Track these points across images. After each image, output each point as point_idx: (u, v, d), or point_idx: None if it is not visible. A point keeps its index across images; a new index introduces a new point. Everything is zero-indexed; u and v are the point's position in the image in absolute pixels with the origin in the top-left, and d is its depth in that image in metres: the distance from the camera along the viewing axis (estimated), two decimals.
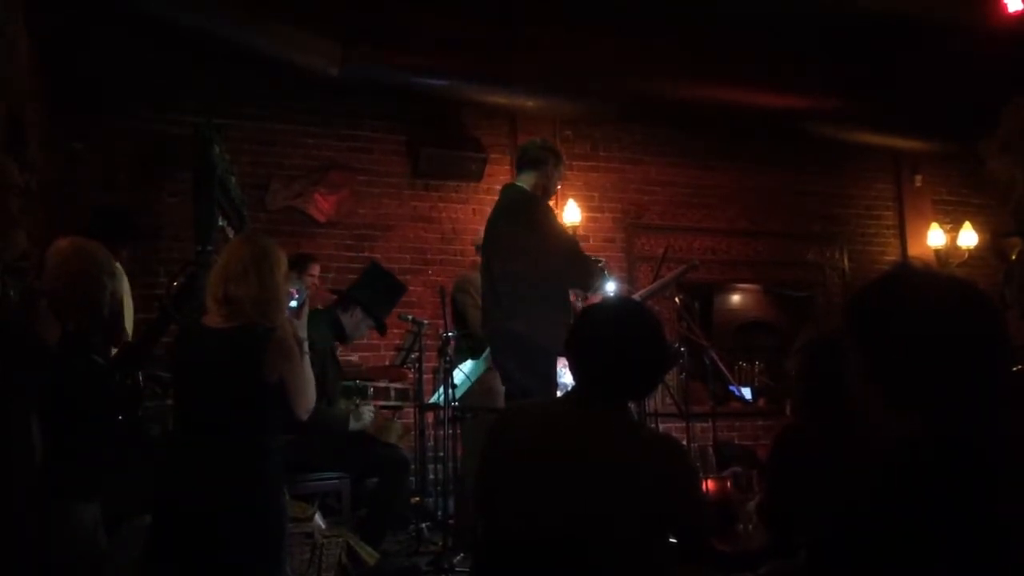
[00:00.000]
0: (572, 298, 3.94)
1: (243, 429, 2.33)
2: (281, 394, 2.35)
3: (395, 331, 5.74)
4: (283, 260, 2.49)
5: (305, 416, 2.46)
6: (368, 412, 4.05)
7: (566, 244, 3.78)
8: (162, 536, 2.29)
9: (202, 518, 2.23)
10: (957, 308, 1.23)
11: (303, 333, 2.51)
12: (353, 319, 4.15)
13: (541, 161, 3.81)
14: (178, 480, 2.32)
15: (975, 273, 7.51)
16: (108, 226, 3.96)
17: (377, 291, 4.23)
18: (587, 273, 3.78)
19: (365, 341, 5.85)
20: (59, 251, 2.64)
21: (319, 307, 4.57)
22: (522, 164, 3.87)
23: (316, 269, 5.12)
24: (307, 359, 2.47)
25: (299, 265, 5.05)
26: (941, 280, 1.28)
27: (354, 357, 5.75)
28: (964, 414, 1.19)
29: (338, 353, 4.45)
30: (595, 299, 3.83)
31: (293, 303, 2.52)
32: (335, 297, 4.44)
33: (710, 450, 5.59)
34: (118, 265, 3.97)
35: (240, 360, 2.32)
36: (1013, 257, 7.06)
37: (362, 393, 4.65)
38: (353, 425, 3.93)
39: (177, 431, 2.46)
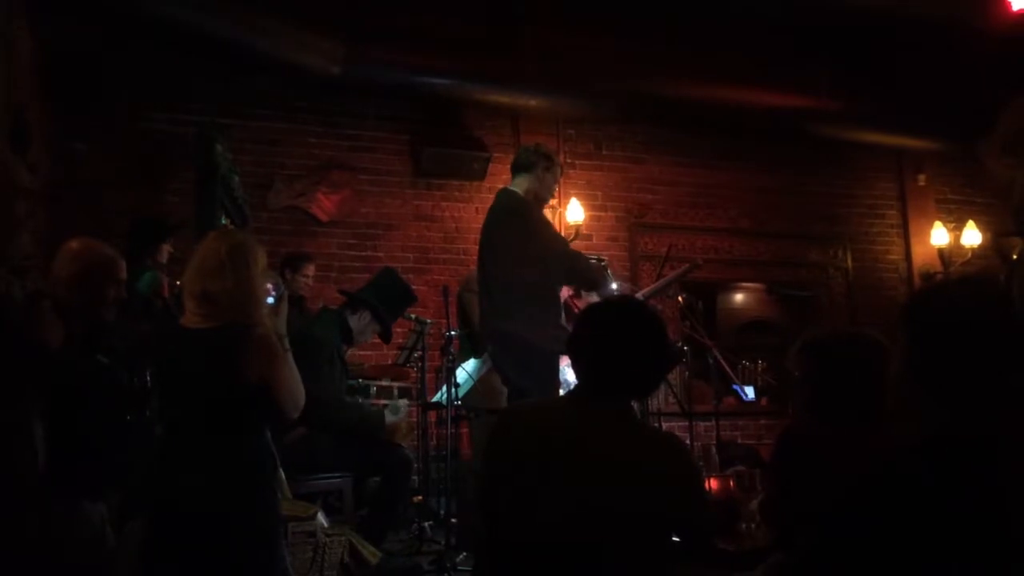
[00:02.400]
0: (567, 294, 3.97)
1: (226, 431, 2.28)
2: (266, 394, 2.29)
3: (398, 330, 5.73)
4: (260, 255, 2.42)
5: (295, 415, 2.40)
6: (404, 403, 4.09)
7: (560, 247, 3.82)
8: (153, 538, 2.27)
9: (190, 520, 2.20)
10: (994, 310, 1.28)
11: (282, 329, 2.45)
12: (361, 322, 4.14)
13: (531, 165, 3.84)
14: (166, 482, 2.29)
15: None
16: (147, 232, 4.15)
17: (388, 297, 4.22)
18: (588, 271, 3.83)
19: (368, 340, 5.85)
20: (67, 252, 2.65)
21: (327, 307, 4.57)
22: (515, 169, 3.91)
23: (311, 268, 5.11)
24: (290, 356, 2.40)
25: (294, 264, 5.05)
26: (978, 282, 1.34)
27: (357, 356, 5.76)
28: (991, 412, 1.22)
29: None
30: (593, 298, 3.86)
31: (270, 299, 2.44)
32: (343, 298, 4.43)
33: (713, 449, 5.59)
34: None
35: (219, 362, 2.25)
36: (1015, 257, 7.04)
37: (364, 392, 4.66)
38: (390, 418, 3.96)
39: (164, 434, 2.40)
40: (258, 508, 2.30)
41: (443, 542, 4.11)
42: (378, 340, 5.78)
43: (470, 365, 4.44)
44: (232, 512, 2.23)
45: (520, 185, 3.84)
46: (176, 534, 2.23)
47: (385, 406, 4.14)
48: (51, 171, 4.79)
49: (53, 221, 4.68)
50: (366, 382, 4.85)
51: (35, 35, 4.30)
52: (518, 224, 3.71)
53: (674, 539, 1.85)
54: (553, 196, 4.26)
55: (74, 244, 2.67)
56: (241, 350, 2.25)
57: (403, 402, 4.13)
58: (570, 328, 2.26)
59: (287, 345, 2.42)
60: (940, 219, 7.43)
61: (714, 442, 5.51)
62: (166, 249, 4.23)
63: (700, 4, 5.92)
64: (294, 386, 2.36)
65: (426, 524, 4.56)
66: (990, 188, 7.30)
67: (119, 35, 5.19)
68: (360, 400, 4.42)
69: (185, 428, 2.32)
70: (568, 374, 4.03)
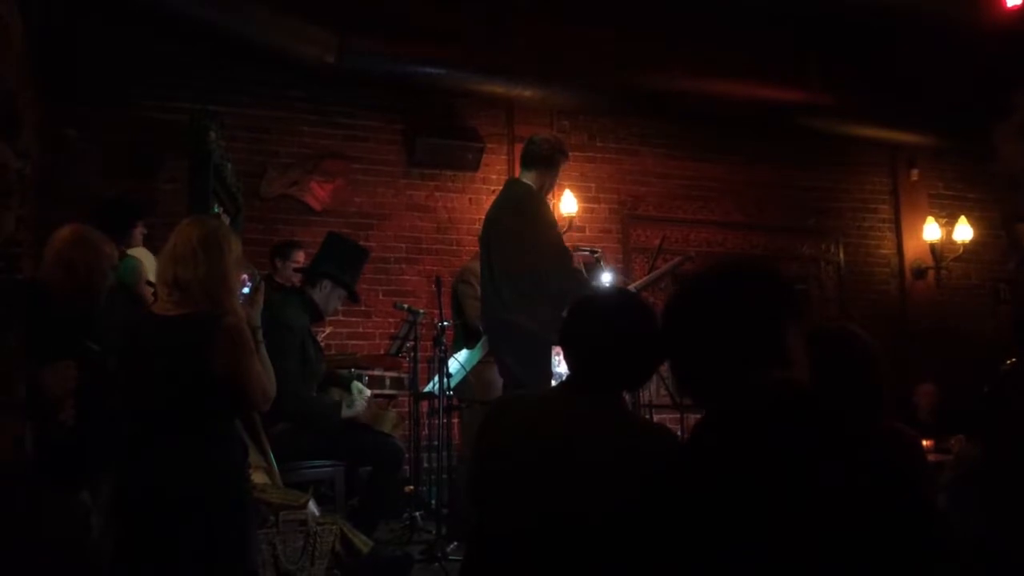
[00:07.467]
0: None
1: (194, 420, 2.25)
2: (234, 384, 2.26)
3: (390, 320, 5.75)
4: (234, 243, 2.39)
5: (264, 407, 2.38)
6: (360, 400, 4.00)
7: (556, 245, 3.71)
8: (122, 529, 2.25)
9: (158, 511, 2.18)
10: None
11: (257, 321, 2.42)
12: (323, 292, 4.09)
13: (552, 162, 3.80)
14: (133, 473, 2.26)
15: (970, 267, 7.55)
16: (115, 216, 4.04)
17: (341, 259, 4.18)
18: (569, 278, 3.64)
19: (360, 330, 5.85)
20: (60, 239, 2.64)
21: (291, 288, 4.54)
22: (531, 160, 3.81)
23: (300, 256, 5.09)
24: (263, 348, 2.37)
25: (283, 252, 5.04)
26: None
27: (350, 346, 5.76)
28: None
29: (332, 340, 4.40)
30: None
31: (246, 289, 2.41)
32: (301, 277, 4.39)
33: None
34: (142, 248, 4.01)
35: (187, 349, 2.22)
36: None
37: (358, 381, 4.65)
38: (345, 412, 3.90)
39: (132, 422, 2.35)
40: (228, 498, 2.27)
41: (434, 532, 4.12)
42: (370, 330, 5.83)
43: (462, 356, 4.44)
44: (201, 502, 2.20)
45: (532, 178, 3.78)
46: (145, 525, 2.21)
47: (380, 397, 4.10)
48: (42, 158, 4.76)
49: (44, 208, 4.66)
50: (359, 371, 4.84)
51: (26, 21, 4.27)
52: (531, 215, 3.67)
53: None
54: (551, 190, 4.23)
55: (66, 231, 2.66)
56: (209, 338, 2.22)
57: (360, 404, 4.04)
58: None
59: (260, 337, 2.39)
60: (932, 214, 7.45)
61: None
62: (139, 232, 4.16)
63: None
64: (264, 377, 2.33)
65: (417, 514, 4.58)
66: (991, 178, 7.33)
67: (111, 22, 5.16)
68: (331, 391, 4.34)
69: (153, 416, 2.28)
70: (561, 366, 4.04)
